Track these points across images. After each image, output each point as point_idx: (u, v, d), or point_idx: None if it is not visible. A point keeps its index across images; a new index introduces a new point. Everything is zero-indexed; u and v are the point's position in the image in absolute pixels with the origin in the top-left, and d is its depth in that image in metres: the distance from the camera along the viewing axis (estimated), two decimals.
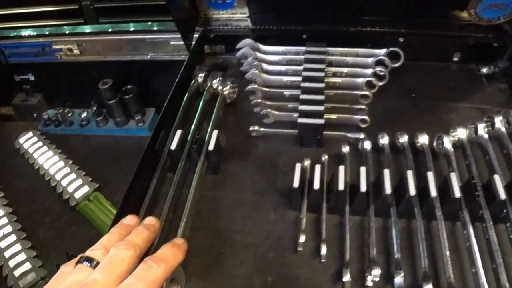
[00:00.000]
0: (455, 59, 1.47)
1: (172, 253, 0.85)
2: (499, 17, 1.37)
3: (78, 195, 1.35)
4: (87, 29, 1.60)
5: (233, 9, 1.47)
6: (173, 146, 1.10)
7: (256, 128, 1.21)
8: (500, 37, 1.40)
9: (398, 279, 0.87)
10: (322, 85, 1.26)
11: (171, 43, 1.54)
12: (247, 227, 1.02)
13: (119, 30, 1.57)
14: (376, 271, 0.88)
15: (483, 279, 0.85)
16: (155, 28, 1.53)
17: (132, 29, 1.56)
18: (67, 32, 1.61)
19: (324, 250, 0.94)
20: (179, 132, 1.12)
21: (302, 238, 0.96)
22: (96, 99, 1.65)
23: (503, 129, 1.15)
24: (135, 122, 1.65)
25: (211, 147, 1.09)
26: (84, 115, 1.67)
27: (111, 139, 1.64)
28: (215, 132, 1.11)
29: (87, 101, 1.69)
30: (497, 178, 0.98)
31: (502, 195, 0.94)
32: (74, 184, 1.38)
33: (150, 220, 0.93)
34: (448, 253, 0.90)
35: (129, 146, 1.57)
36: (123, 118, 1.66)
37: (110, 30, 1.57)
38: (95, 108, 1.65)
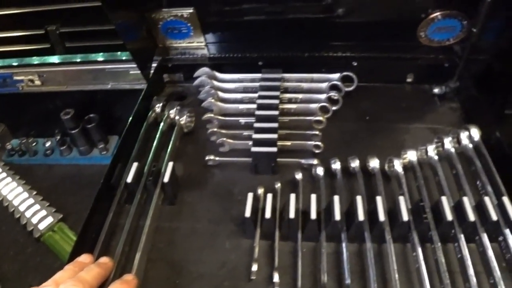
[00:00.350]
0: (409, 80, 1.51)
1: (127, 283, 0.86)
2: (448, 38, 1.41)
3: (42, 226, 1.34)
4: (48, 59, 1.60)
5: (190, 38, 1.49)
6: (129, 179, 1.11)
7: (212, 157, 1.23)
8: (451, 58, 1.45)
9: None
10: (276, 112, 1.28)
11: (131, 72, 1.55)
12: (202, 257, 1.04)
13: (80, 60, 1.57)
14: None
15: None
16: (112, 58, 1.54)
17: (91, 59, 1.56)
18: (27, 63, 1.61)
19: (276, 278, 0.96)
20: (135, 164, 1.14)
21: (254, 267, 0.98)
22: (60, 128, 1.65)
23: (452, 150, 1.19)
24: (98, 151, 1.65)
25: (166, 179, 1.10)
26: (48, 144, 1.68)
27: (75, 168, 1.64)
28: (170, 164, 1.13)
29: (51, 130, 1.70)
30: (444, 199, 1.01)
31: (449, 216, 0.98)
32: (38, 215, 1.37)
33: (104, 259, 0.95)
34: (397, 276, 0.92)
35: (93, 175, 1.56)
36: (87, 147, 1.66)
37: (68, 61, 1.57)
38: (58, 137, 1.65)
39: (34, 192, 1.49)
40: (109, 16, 1.26)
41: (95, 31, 1.51)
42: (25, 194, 1.47)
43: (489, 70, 1.51)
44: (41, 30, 1.56)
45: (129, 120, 1.27)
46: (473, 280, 0.90)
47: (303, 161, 1.21)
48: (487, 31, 1.28)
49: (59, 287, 0.82)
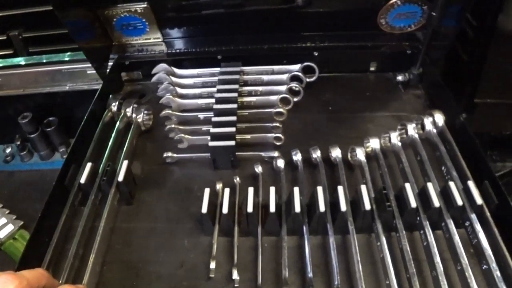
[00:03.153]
0: (372, 68, 1.49)
1: None
2: (410, 25, 1.40)
3: (2, 234, 1.31)
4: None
5: (146, 35, 1.46)
6: (83, 180, 1.07)
7: (170, 154, 1.19)
8: (413, 45, 1.43)
9: None
10: (234, 106, 1.25)
11: (88, 72, 1.51)
12: (160, 257, 1.00)
13: (34, 62, 1.53)
14: None
15: None
16: (69, 59, 1.50)
17: (45, 60, 1.52)
18: None
19: (235, 275, 0.93)
20: (89, 165, 1.09)
21: (212, 265, 0.94)
22: (20, 133, 1.61)
23: (416, 136, 1.17)
24: (60, 154, 1.61)
25: (120, 178, 1.06)
26: (8, 150, 1.64)
27: (36, 173, 1.61)
28: (125, 163, 1.09)
29: (11, 136, 1.65)
30: (408, 186, 0.99)
31: (413, 203, 0.96)
32: None
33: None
34: (360, 267, 0.89)
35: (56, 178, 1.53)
36: (48, 151, 1.62)
37: (23, 63, 1.52)
38: (18, 142, 1.61)
39: None
40: (58, 15, 1.22)
41: (59, 35, 1.47)
42: None
43: (456, 60, 1.51)
44: (3, 35, 1.52)
45: (84, 120, 1.23)
46: (440, 267, 0.87)
47: (263, 154, 1.18)
48: (447, 16, 1.26)
49: None
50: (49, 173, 1.60)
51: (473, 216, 0.95)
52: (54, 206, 1.05)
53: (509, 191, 1.64)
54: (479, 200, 0.96)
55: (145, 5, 1.36)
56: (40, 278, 0.79)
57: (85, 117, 1.24)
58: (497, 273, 0.85)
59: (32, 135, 1.57)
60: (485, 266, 0.89)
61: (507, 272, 0.86)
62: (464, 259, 0.88)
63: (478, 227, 0.93)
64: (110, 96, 1.32)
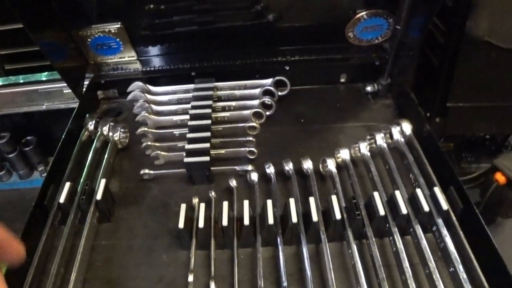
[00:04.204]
0: (342, 80, 1.53)
1: None
2: (377, 37, 1.44)
3: None
4: None
5: (121, 53, 1.48)
6: (62, 200, 1.09)
7: (147, 171, 1.22)
8: (381, 56, 1.48)
9: None
10: (208, 122, 1.28)
11: (64, 91, 1.53)
12: (140, 272, 1.02)
13: (11, 83, 1.54)
14: None
15: None
16: (45, 79, 1.52)
17: (22, 81, 1.53)
18: None
19: (213, 286, 0.95)
20: (67, 184, 1.11)
21: (190, 278, 0.96)
22: None
23: (385, 145, 1.21)
24: (39, 173, 1.63)
25: (98, 196, 1.08)
26: None
27: (16, 192, 1.61)
28: (103, 181, 1.11)
29: None
30: (376, 195, 1.03)
31: (382, 211, 1.00)
32: None
33: None
34: (333, 274, 0.93)
35: (35, 199, 1.54)
36: (26, 170, 1.64)
37: (0, 83, 1.54)
38: None
39: None
40: (31, 37, 1.24)
41: (35, 52, 1.47)
42: None
43: (428, 66, 1.56)
44: None
45: (61, 140, 1.25)
46: (409, 271, 0.91)
47: (238, 168, 1.21)
48: (411, 28, 1.31)
49: None
50: (29, 192, 1.61)
51: (440, 221, 0.99)
52: (34, 226, 1.07)
53: (484, 191, 1.70)
54: (445, 206, 1.00)
55: (118, 26, 1.38)
56: None
57: (63, 137, 1.26)
58: (463, 275, 0.89)
59: (10, 155, 1.58)
60: (452, 269, 0.92)
61: (473, 274, 0.90)
62: (432, 263, 0.92)
63: (444, 231, 0.97)
64: (87, 115, 1.34)
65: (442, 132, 1.62)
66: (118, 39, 1.42)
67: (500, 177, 1.65)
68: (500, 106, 1.56)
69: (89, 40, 1.41)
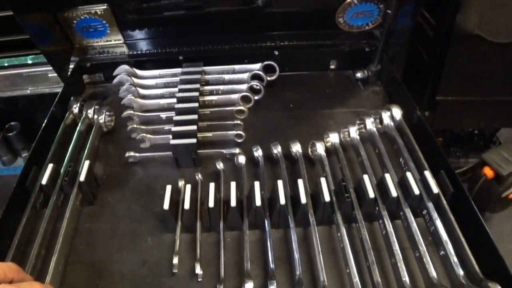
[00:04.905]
0: (332, 66, 1.52)
1: (30, 284, 0.79)
2: (367, 23, 1.43)
3: None
4: None
5: (107, 37, 1.45)
6: (44, 181, 1.06)
7: (132, 153, 1.19)
8: (371, 43, 1.46)
9: None
10: (195, 104, 1.26)
11: (49, 75, 1.50)
12: (124, 256, 1.00)
13: None
14: (249, 285, 0.88)
15: (356, 278, 0.87)
16: (30, 62, 1.49)
17: (6, 64, 1.50)
18: None
19: (198, 269, 0.93)
20: (50, 166, 1.09)
21: (175, 260, 0.94)
22: None
23: (375, 129, 1.19)
24: (22, 160, 1.60)
25: (82, 178, 1.06)
26: None
27: None
28: (87, 163, 1.09)
29: None
30: (366, 177, 1.02)
31: (371, 193, 0.98)
32: None
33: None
34: (321, 258, 0.91)
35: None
36: (10, 157, 1.61)
37: None
38: None
39: None
40: (18, 20, 1.21)
41: (18, 41, 1.46)
42: None
43: (417, 59, 1.55)
44: None
45: (45, 122, 1.22)
46: (399, 254, 0.90)
47: (225, 151, 1.19)
48: (402, 14, 1.30)
49: None
50: (12, 179, 1.57)
51: (430, 205, 0.98)
52: (15, 208, 1.04)
53: (472, 186, 1.70)
54: (435, 189, 0.99)
55: (105, 7, 1.35)
56: (8, 271, 0.78)
57: (46, 119, 1.23)
58: (454, 259, 0.88)
59: None
60: (442, 252, 0.91)
61: (464, 257, 0.89)
62: (422, 246, 0.90)
63: (435, 214, 0.96)
64: (72, 98, 1.31)
65: (431, 126, 1.61)
66: (104, 22, 1.39)
67: (488, 171, 1.65)
68: (489, 100, 1.56)
69: (74, 22, 1.38)
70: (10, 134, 1.57)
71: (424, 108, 1.58)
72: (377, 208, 1.00)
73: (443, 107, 1.57)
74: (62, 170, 1.11)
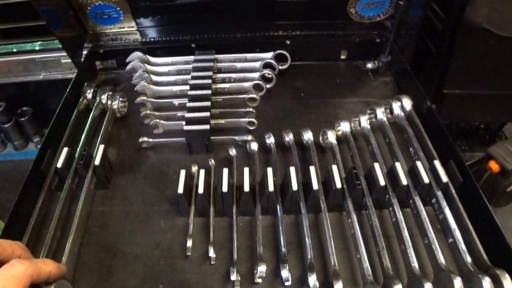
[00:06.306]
0: (343, 57, 1.53)
1: (42, 261, 0.81)
2: (379, 14, 1.44)
3: None
4: None
5: (121, 23, 1.46)
6: (59, 164, 1.08)
7: (145, 139, 1.21)
8: (382, 33, 1.47)
9: (284, 273, 0.89)
10: (208, 91, 1.27)
11: (62, 61, 1.52)
12: (137, 238, 1.02)
13: (7, 51, 1.52)
14: (262, 268, 0.90)
15: (367, 263, 0.89)
16: (44, 48, 1.50)
17: (19, 49, 1.52)
18: None
19: (211, 252, 0.95)
20: (65, 149, 1.10)
21: (189, 243, 0.96)
22: None
23: (385, 119, 1.21)
24: (34, 145, 1.61)
25: (97, 162, 1.07)
26: None
27: (10, 164, 1.60)
28: (101, 147, 1.10)
29: None
30: (376, 165, 1.03)
31: (382, 181, 0.99)
32: None
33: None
34: (332, 243, 0.93)
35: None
36: (22, 141, 1.62)
37: None
38: None
39: None
40: (33, 4, 1.22)
41: (29, 27, 1.46)
42: None
43: (425, 52, 1.56)
44: None
45: (59, 107, 1.24)
46: (408, 241, 0.91)
47: (237, 138, 1.20)
48: (413, 5, 1.31)
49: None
50: (23, 164, 1.60)
51: (439, 194, 0.99)
52: (31, 190, 1.06)
53: (477, 180, 1.71)
54: (444, 178, 1.00)
55: None
56: (16, 248, 0.79)
57: (60, 104, 1.25)
58: (462, 246, 0.89)
59: (5, 125, 1.56)
60: (451, 240, 0.93)
61: (471, 245, 0.90)
62: (431, 233, 0.92)
63: (444, 203, 0.97)
64: (85, 83, 1.32)
65: None
66: (118, 8, 1.41)
67: (494, 165, 1.66)
68: (496, 94, 1.57)
69: (89, 8, 1.39)
70: (22, 119, 1.58)
71: (430, 101, 1.59)
72: (387, 196, 1.01)
73: (450, 100, 1.58)
74: (76, 154, 1.12)
